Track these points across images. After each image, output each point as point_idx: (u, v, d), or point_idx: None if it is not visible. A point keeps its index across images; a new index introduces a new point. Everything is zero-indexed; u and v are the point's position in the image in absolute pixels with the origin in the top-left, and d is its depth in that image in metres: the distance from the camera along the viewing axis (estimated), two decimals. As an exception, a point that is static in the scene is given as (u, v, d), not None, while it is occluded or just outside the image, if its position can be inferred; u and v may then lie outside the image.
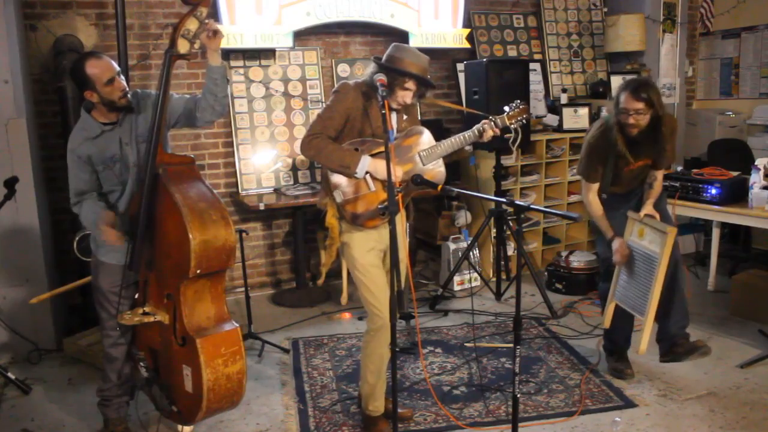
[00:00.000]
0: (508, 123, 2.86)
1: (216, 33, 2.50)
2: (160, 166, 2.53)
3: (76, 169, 2.65)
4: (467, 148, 2.85)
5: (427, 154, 2.75)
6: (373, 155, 2.67)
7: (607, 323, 3.28)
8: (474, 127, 2.80)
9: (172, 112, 2.65)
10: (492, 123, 2.81)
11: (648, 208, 3.18)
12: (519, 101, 2.90)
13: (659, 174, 3.27)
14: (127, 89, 2.60)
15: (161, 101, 2.51)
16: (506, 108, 2.87)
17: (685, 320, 3.38)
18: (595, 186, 3.25)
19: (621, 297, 3.23)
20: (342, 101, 2.67)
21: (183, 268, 2.46)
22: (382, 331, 2.70)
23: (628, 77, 5.54)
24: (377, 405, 2.88)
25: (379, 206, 2.68)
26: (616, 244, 3.17)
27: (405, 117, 2.84)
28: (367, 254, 2.74)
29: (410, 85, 2.66)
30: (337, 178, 2.68)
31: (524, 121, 2.90)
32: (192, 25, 2.49)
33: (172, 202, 2.46)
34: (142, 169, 2.62)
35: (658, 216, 3.18)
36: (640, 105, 2.95)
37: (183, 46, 2.49)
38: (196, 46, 2.52)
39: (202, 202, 2.51)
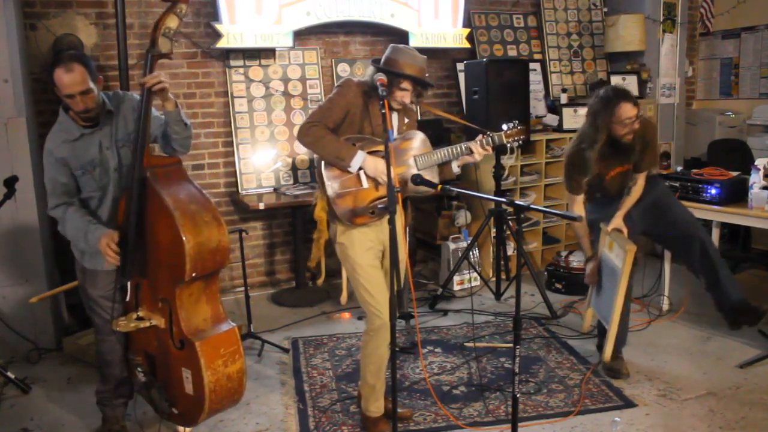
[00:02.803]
0: (505, 141, 2.89)
1: (162, 90, 2.46)
2: (147, 169, 2.48)
3: (53, 172, 2.56)
4: (456, 170, 2.90)
5: (422, 160, 2.79)
6: (371, 153, 2.68)
7: (586, 327, 3.31)
8: (469, 142, 2.85)
9: (153, 125, 2.58)
10: (489, 138, 2.84)
11: (616, 222, 3.23)
12: (517, 121, 2.93)
13: (641, 178, 3.33)
14: (91, 108, 2.49)
15: (146, 102, 2.46)
16: (504, 126, 2.90)
17: (737, 287, 3.43)
18: (580, 198, 3.31)
19: (594, 304, 3.31)
20: (344, 95, 2.69)
21: (178, 273, 2.44)
22: (381, 331, 2.70)
23: (627, 78, 5.60)
24: (378, 405, 2.88)
25: (379, 206, 2.70)
26: (588, 268, 3.27)
27: (406, 121, 2.87)
28: (365, 254, 2.74)
29: (406, 85, 2.68)
30: (330, 172, 2.70)
31: (520, 141, 2.93)
32: (172, 23, 2.46)
33: (163, 205, 2.42)
34: (124, 173, 2.56)
35: (625, 230, 3.23)
36: (636, 110, 3.03)
37: (164, 45, 2.47)
38: (176, 43, 2.49)
39: (193, 204, 2.48)
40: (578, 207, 3.30)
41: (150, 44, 2.47)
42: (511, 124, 2.90)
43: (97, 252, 2.55)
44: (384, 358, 2.79)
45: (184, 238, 2.38)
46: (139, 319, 2.57)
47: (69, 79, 2.43)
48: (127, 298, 2.65)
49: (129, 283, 2.63)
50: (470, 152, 2.83)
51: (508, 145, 2.91)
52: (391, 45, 2.77)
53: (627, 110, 3.02)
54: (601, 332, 3.51)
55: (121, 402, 2.87)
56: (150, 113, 2.51)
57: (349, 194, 2.70)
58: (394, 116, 2.80)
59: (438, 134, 4.68)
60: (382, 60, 2.73)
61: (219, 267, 2.59)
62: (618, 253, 3.13)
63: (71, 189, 2.60)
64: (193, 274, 2.45)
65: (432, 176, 2.79)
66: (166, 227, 2.43)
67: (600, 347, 3.52)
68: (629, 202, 3.30)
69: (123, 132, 2.61)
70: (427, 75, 2.76)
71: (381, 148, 2.69)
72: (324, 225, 2.75)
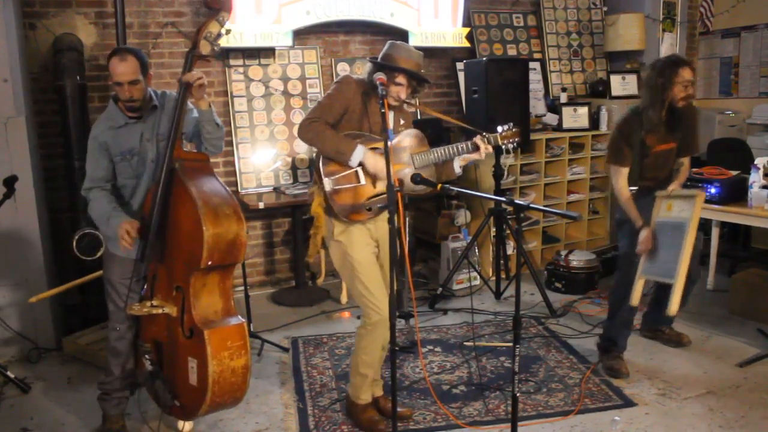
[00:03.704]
0: (500, 142, 2.88)
1: (201, 86, 2.59)
2: (177, 161, 2.61)
3: (96, 155, 2.71)
4: (457, 170, 2.90)
5: (420, 158, 2.80)
6: (369, 149, 2.69)
7: (635, 301, 3.27)
8: (467, 141, 2.84)
9: (188, 122, 2.72)
10: (485, 140, 2.84)
11: (674, 185, 3.31)
12: (512, 123, 2.93)
13: (686, 160, 3.40)
14: (136, 98, 2.65)
15: (181, 97, 2.59)
16: (499, 128, 2.90)
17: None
18: (625, 171, 3.32)
19: (648, 270, 3.24)
20: (343, 92, 2.71)
21: (195, 259, 2.52)
22: (378, 327, 2.73)
23: (627, 77, 5.60)
24: (368, 394, 2.94)
25: (378, 205, 2.71)
26: (643, 234, 3.22)
27: (402, 122, 2.88)
28: (363, 250, 2.77)
29: (401, 80, 2.70)
30: (329, 167, 2.71)
31: (515, 143, 2.93)
32: (214, 28, 2.63)
33: (188, 194, 2.54)
34: (159, 165, 2.68)
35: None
36: (693, 76, 3.19)
37: (204, 48, 2.63)
38: (217, 48, 2.67)
39: (216, 197, 2.59)
40: (624, 181, 3.31)
41: (192, 45, 2.64)
42: (506, 126, 2.90)
43: (116, 236, 2.67)
44: (378, 352, 2.82)
45: (204, 227, 2.47)
46: (153, 306, 2.65)
47: (122, 67, 2.59)
48: (143, 292, 2.71)
49: (146, 276, 2.71)
50: (471, 150, 2.83)
51: (503, 146, 2.90)
52: (389, 41, 2.79)
53: (688, 73, 3.17)
54: (605, 332, 3.49)
55: (123, 396, 2.89)
56: (185, 108, 2.64)
57: (346, 191, 2.71)
58: (390, 115, 2.81)
59: (437, 134, 4.68)
60: (379, 56, 2.76)
61: (234, 261, 2.65)
62: (682, 207, 3.15)
63: (108, 175, 2.74)
64: (209, 263, 2.52)
65: (428, 175, 2.79)
66: (188, 215, 2.54)
67: (599, 347, 3.53)
68: (682, 177, 3.41)
69: (165, 128, 2.73)
70: (422, 71, 2.77)
71: (379, 145, 2.70)
72: (321, 221, 2.76)
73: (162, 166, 2.60)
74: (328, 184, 2.70)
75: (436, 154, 2.81)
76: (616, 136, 3.35)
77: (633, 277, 3.27)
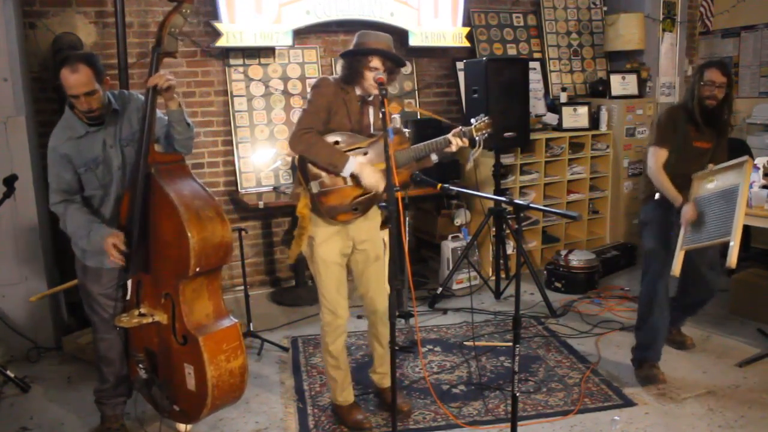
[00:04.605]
0: (475, 135, 2.87)
1: (169, 88, 2.49)
2: (152, 165, 2.51)
3: (58, 168, 2.56)
4: (433, 158, 2.90)
5: (401, 155, 2.79)
6: (352, 150, 2.69)
7: (677, 271, 3.27)
8: (447, 135, 2.84)
9: (156, 126, 2.60)
10: (460, 133, 2.83)
11: (711, 165, 3.33)
12: (483, 114, 2.92)
13: None
14: (95, 108, 2.50)
15: (152, 98, 2.48)
16: (473, 120, 2.90)
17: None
18: (664, 153, 3.33)
19: (694, 240, 3.25)
20: (324, 95, 2.69)
21: (182, 268, 2.45)
22: (332, 327, 2.82)
23: (627, 77, 5.60)
24: (345, 395, 2.98)
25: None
26: (687, 207, 3.23)
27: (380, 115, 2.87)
28: (332, 250, 2.78)
29: (375, 63, 2.66)
30: (315, 170, 2.70)
31: (487, 134, 2.91)
32: (178, 21, 2.51)
33: (168, 201, 2.45)
34: (128, 171, 2.58)
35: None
36: (722, 79, 3.23)
37: (170, 44, 2.51)
38: (182, 42, 2.53)
39: (197, 200, 2.51)
40: (661, 161, 3.33)
41: (156, 43, 2.51)
42: (479, 117, 2.90)
43: (100, 250, 2.56)
44: (339, 351, 2.89)
45: (188, 234, 2.40)
46: (142, 315, 2.58)
47: (74, 79, 2.42)
48: (128, 297, 2.64)
49: (129, 282, 2.63)
50: (449, 144, 2.83)
51: (477, 138, 2.89)
52: (358, 32, 2.77)
53: (712, 73, 3.24)
54: (637, 341, 3.41)
55: (120, 401, 2.87)
56: (155, 110, 2.53)
57: (333, 192, 2.71)
58: (370, 110, 2.81)
59: (437, 133, 4.67)
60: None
61: (222, 263, 2.61)
62: (726, 178, 3.18)
63: (74, 186, 2.61)
64: (197, 269, 2.46)
65: (408, 170, 2.81)
66: (170, 222, 2.45)
67: (633, 361, 3.44)
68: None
69: (127, 131, 2.63)
70: (394, 53, 2.73)
71: (362, 144, 2.72)
72: (307, 222, 2.75)
73: (136, 173, 2.48)
74: (314, 186, 2.69)
75: (416, 152, 2.81)
76: (664, 118, 3.42)
77: (660, 274, 3.29)
